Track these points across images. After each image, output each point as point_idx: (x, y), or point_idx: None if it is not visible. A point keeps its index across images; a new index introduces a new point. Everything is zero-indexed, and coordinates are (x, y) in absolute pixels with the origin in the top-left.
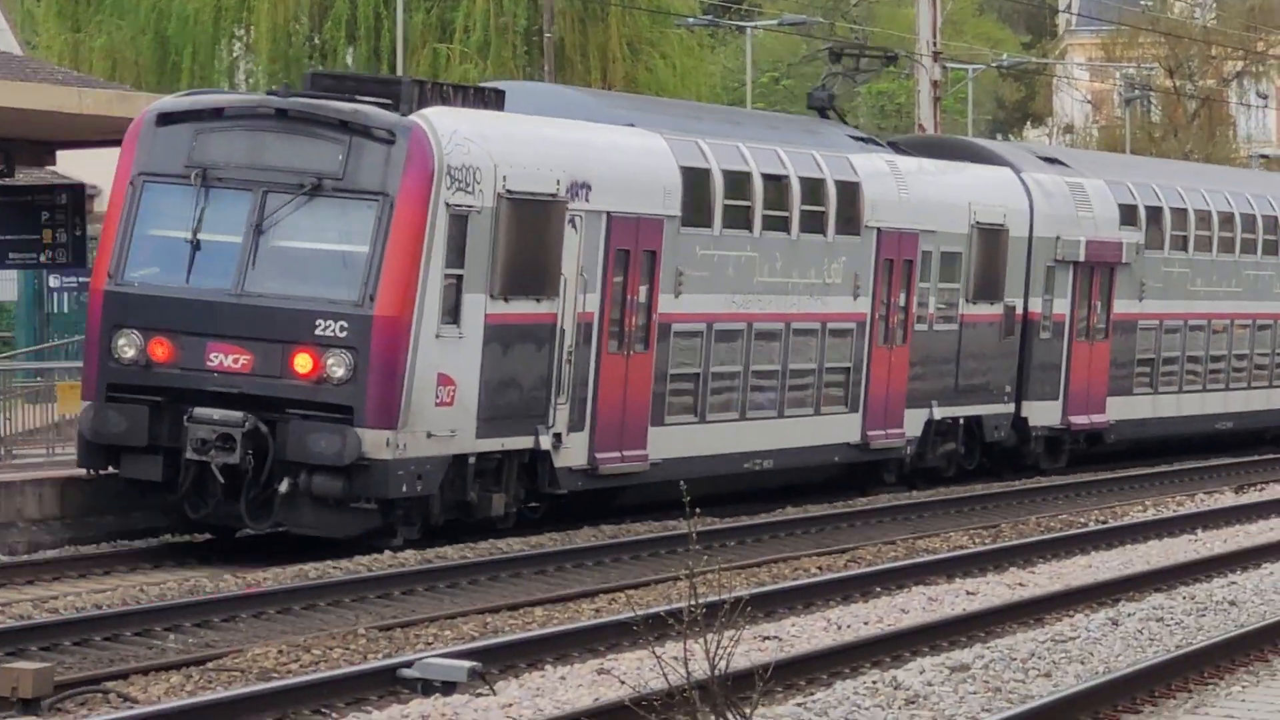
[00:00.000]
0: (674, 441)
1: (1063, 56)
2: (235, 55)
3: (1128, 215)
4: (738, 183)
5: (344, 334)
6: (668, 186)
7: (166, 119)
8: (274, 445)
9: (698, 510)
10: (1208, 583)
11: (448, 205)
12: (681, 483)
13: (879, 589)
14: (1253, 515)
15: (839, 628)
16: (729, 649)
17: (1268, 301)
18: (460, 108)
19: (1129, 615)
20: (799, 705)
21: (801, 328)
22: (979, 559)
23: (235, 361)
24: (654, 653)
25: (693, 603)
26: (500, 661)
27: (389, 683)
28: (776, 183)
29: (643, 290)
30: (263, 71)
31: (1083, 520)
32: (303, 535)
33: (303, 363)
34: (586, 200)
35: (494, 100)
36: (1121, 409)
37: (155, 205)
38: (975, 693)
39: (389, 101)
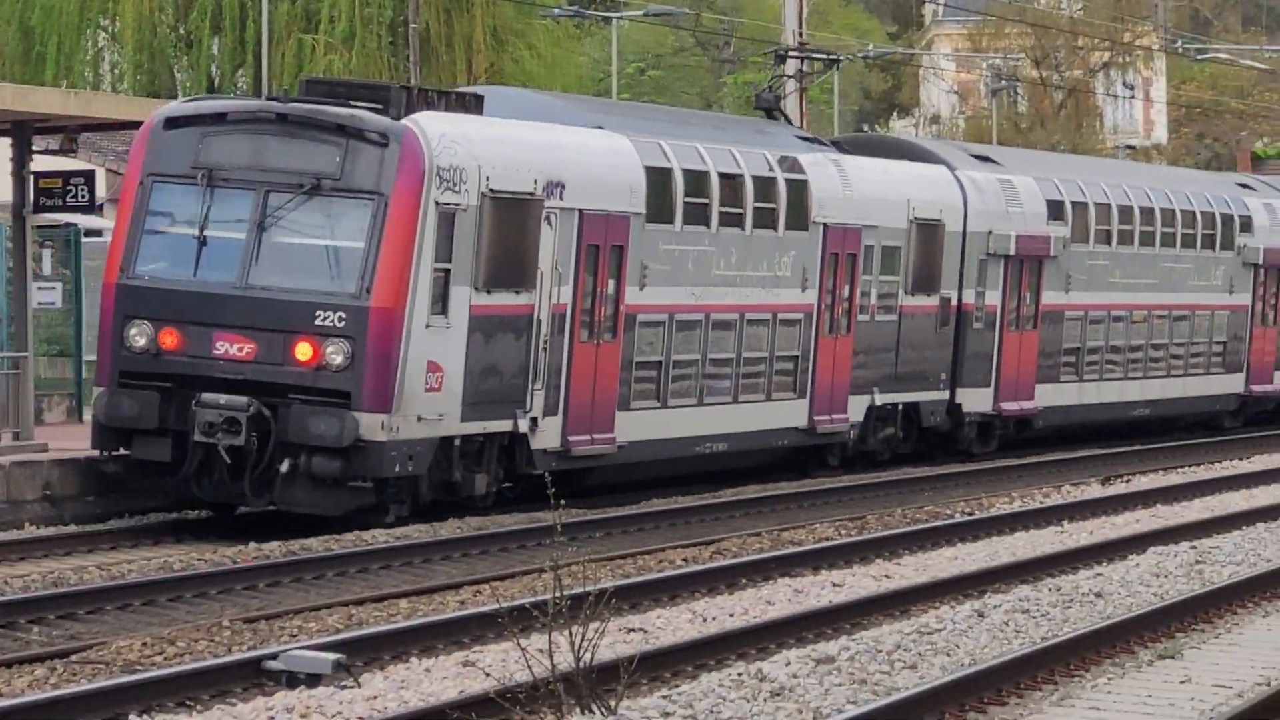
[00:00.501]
0: (639, 425)
1: (929, 47)
2: (100, 46)
3: (1055, 211)
4: (696, 181)
5: (342, 324)
6: (633, 185)
7: (173, 123)
8: (276, 428)
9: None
10: (1073, 574)
11: (437, 204)
12: (547, 476)
13: (745, 581)
14: (1119, 507)
15: (705, 620)
16: (594, 641)
17: (1183, 293)
18: (446, 112)
19: (995, 607)
20: (664, 697)
21: (754, 318)
22: (845, 551)
23: (240, 350)
24: (519, 645)
25: (558, 595)
26: (365, 654)
27: (254, 675)
28: (731, 181)
29: (611, 283)
30: (128, 62)
31: (949, 512)
32: (297, 514)
33: (303, 351)
34: (561, 198)
35: (474, 104)
36: (1049, 396)
37: (164, 204)
38: (841, 685)
39: (380, 106)
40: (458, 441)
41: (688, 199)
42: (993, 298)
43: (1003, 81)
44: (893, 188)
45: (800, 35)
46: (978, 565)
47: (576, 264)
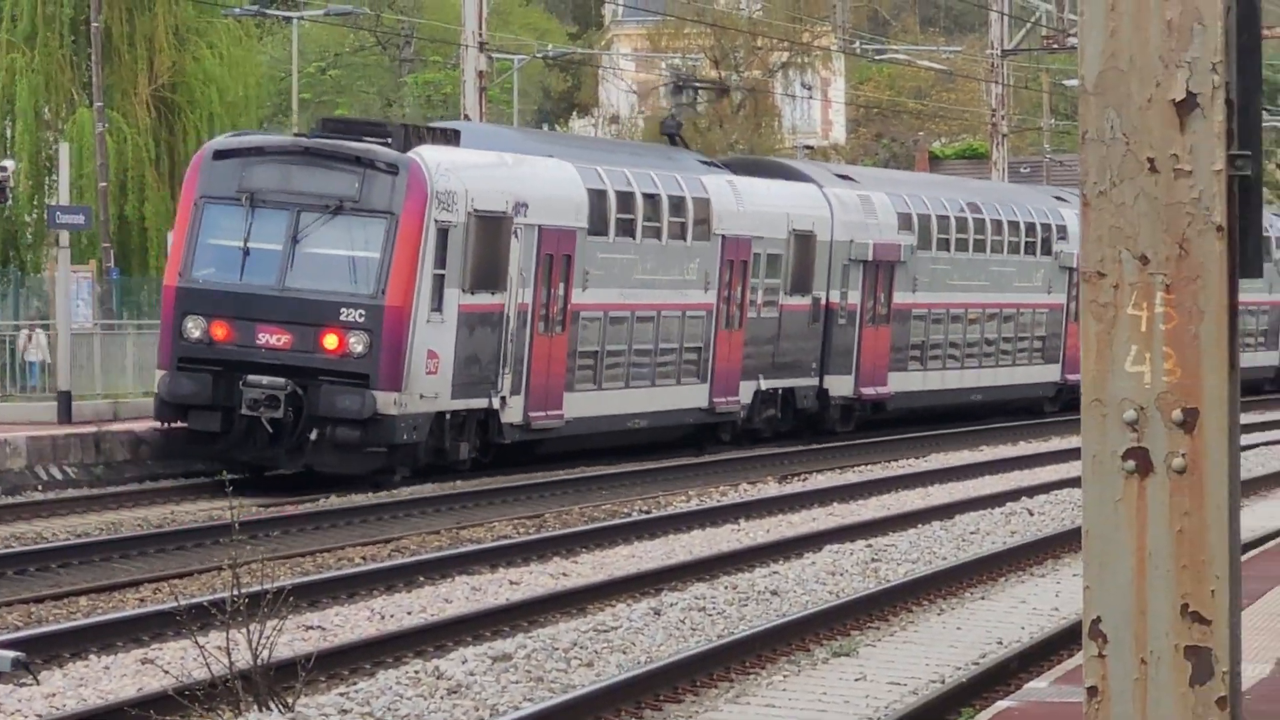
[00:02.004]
0: (581, 404)
1: (609, 47)
2: None
3: (904, 222)
4: (625, 200)
5: (362, 319)
6: (579, 204)
7: (221, 155)
8: (307, 404)
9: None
10: (750, 572)
11: (435, 221)
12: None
13: (423, 579)
14: (795, 505)
15: (383, 617)
16: (272, 639)
17: (1009, 293)
18: (440, 145)
19: (671, 605)
20: (341, 695)
21: (668, 315)
22: (523, 549)
23: (278, 340)
24: (197, 643)
25: (236, 593)
26: (44, 651)
27: None
28: (652, 200)
29: (561, 285)
30: None
31: (626, 510)
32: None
33: (330, 341)
34: (525, 216)
35: (453, 138)
36: (900, 383)
37: (214, 221)
38: (518, 682)
39: (387, 140)
40: (448, 416)
41: (619, 215)
42: (854, 297)
43: (682, 82)
44: (775, 204)
45: (480, 35)
46: (655, 563)
47: (536, 270)
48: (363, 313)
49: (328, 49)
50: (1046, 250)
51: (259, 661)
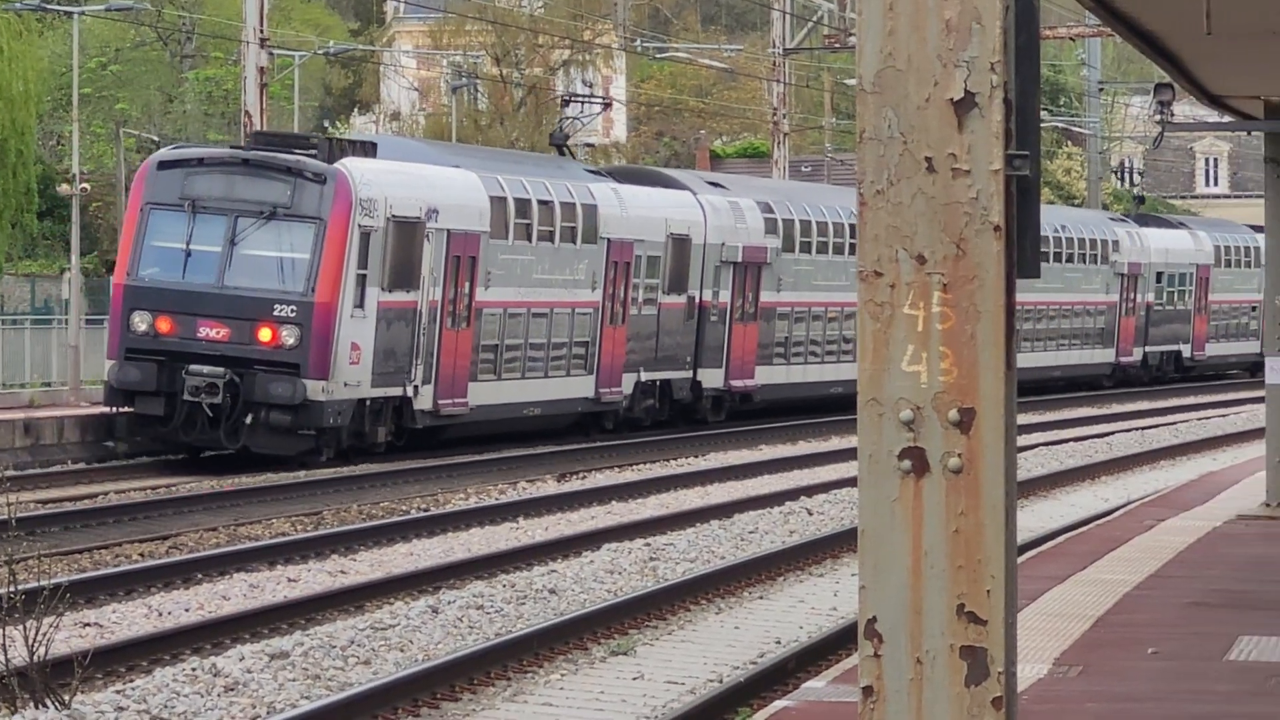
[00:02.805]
0: (483, 393)
1: (390, 44)
2: None
3: (770, 226)
4: (523, 206)
5: (294, 314)
6: (482, 210)
7: (164, 165)
8: (244, 391)
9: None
10: (528, 571)
11: (359, 226)
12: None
13: (201, 576)
14: (574, 503)
15: (160, 614)
16: (48, 636)
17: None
18: (361, 157)
19: (450, 603)
20: (118, 692)
21: (560, 312)
22: (301, 546)
23: (217, 333)
24: None
25: (12, 589)
26: None
27: None
28: (546, 206)
29: (467, 284)
30: None
31: (405, 508)
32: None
33: (265, 334)
34: (436, 221)
35: (371, 149)
36: (766, 376)
37: (159, 225)
38: (295, 680)
39: (314, 152)
40: (368, 402)
41: (517, 220)
42: (724, 296)
43: (463, 79)
44: (654, 210)
45: (261, 31)
46: (433, 561)
47: (445, 270)
48: (294, 308)
49: (109, 44)
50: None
51: (35, 659)
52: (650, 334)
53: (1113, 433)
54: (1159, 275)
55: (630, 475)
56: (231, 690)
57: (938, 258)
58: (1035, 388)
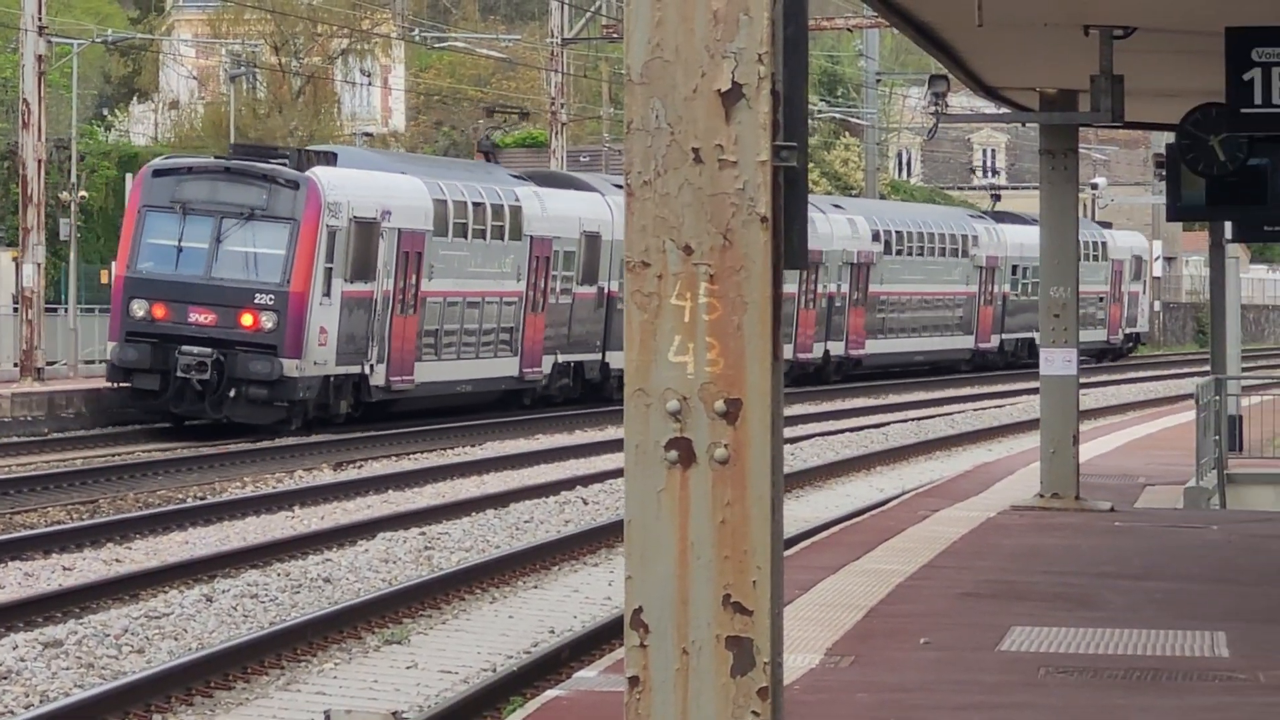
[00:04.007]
0: (427, 371)
1: (170, 32)
2: None
3: None
4: (460, 208)
5: (271, 302)
6: (426, 211)
7: (159, 173)
8: (228, 368)
9: None
10: (304, 559)
11: (327, 226)
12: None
13: None
14: (350, 492)
15: None
16: None
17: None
18: (327, 166)
19: (224, 592)
20: None
21: (490, 300)
22: (76, 534)
23: (205, 318)
24: None
25: None
26: None
27: None
28: (479, 207)
29: (414, 276)
30: None
31: (181, 496)
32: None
33: (247, 319)
34: (389, 221)
35: (332, 159)
36: None
37: (154, 225)
38: (68, 668)
39: (286, 160)
40: (333, 379)
41: (455, 220)
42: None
43: (242, 68)
44: (570, 210)
45: (40, 19)
46: (209, 550)
47: (396, 264)
48: (272, 297)
49: None
50: None
51: None
52: (565, 321)
53: (889, 423)
54: (1014, 268)
55: (407, 464)
56: (4, 679)
57: (705, 249)
58: (900, 371)
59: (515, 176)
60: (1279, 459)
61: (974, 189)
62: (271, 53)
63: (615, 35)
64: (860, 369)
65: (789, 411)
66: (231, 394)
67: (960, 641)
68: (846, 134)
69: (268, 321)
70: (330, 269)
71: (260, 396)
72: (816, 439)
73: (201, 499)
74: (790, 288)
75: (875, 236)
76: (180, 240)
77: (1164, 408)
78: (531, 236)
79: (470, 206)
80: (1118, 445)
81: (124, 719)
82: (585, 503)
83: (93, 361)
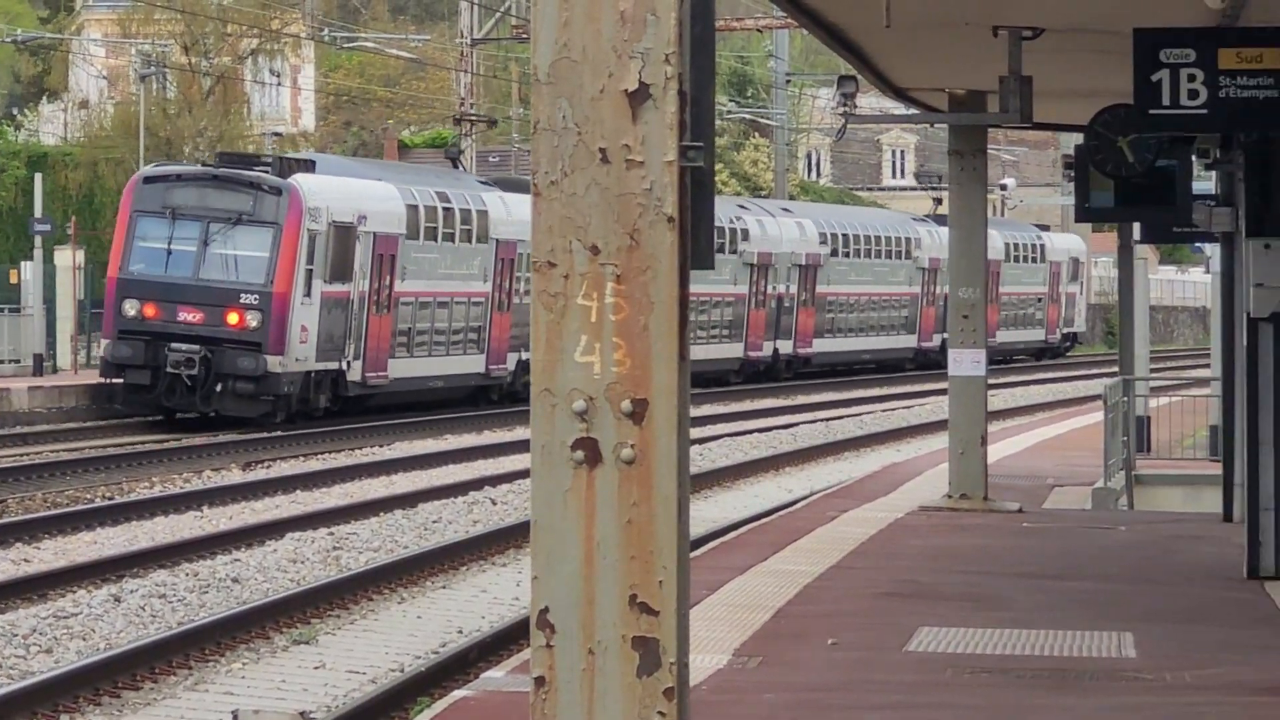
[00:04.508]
0: (400, 368)
1: (80, 31)
2: None
3: None
4: (431, 213)
5: (256, 301)
6: (400, 216)
7: (149, 180)
8: (215, 364)
9: None
10: (212, 560)
11: (308, 230)
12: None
13: None
14: (259, 492)
15: None
16: None
17: (704, 285)
18: (307, 173)
19: (132, 592)
20: None
21: (458, 300)
22: None
23: (194, 317)
24: None
25: None
26: None
27: None
28: (448, 212)
29: (388, 278)
30: None
31: (90, 497)
32: (225, 416)
33: (233, 318)
34: (365, 225)
35: (311, 166)
36: None
37: (145, 229)
38: None
39: (269, 168)
40: (313, 374)
41: (426, 224)
42: None
43: (152, 68)
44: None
45: None
46: (117, 550)
47: (371, 266)
48: (256, 297)
49: None
50: (733, 250)
51: None
52: (529, 320)
53: (798, 424)
54: None
55: (315, 465)
56: None
57: (611, 249)
58: (846, 369)
59: (481, 182)
60: (1186, 460)
61: (883, 190)
62: (181, 52)
63: (525, 36)
64: (809, 367)
65: (697, 412)
66: (219, 389)
67: (868, 642)
68: (756, 135)
69: (252, 320)
70: (311, 270)
71: (246, 391)
72: (725, 439)
73: (110, 499)
74: (741, 289)
75: (823, 239)
76: (170, 243)
77: (1073, 408)
78: (497, 239)
79: (440, 211)
80: (1027, 446)
81: (32, 719)
82: (494, 503)
83: (3, 361)
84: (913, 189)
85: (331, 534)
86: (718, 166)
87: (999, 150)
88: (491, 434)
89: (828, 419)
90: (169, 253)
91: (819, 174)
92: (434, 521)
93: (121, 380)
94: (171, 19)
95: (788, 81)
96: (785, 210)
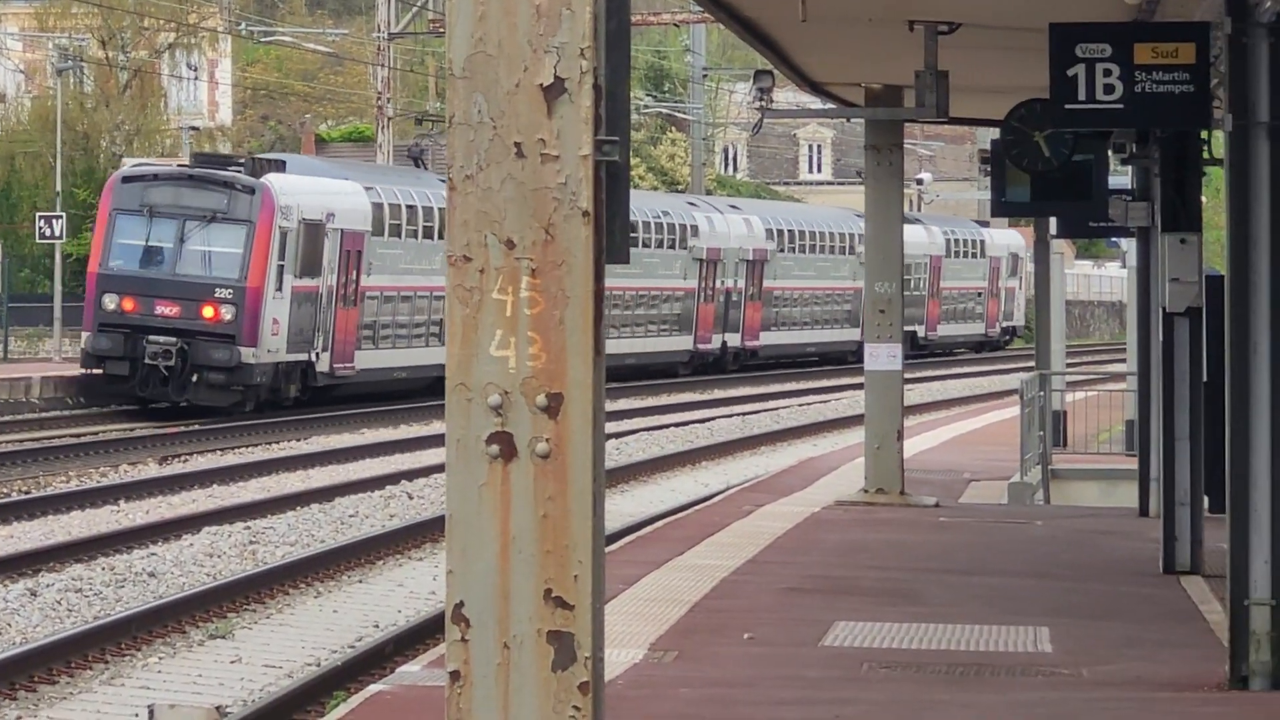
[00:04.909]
0: (366, 359)
1: None
2: None
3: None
4: (395, 210)
5: (230, 296)
6: (366, 213)
7: (128, 180)
8: (191, 356)
9: None
10: (128, 554)
11: (279, 227)
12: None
13: None
14: (175, 487)
15: None
16: None
17: (653, 279)
18: (278, 173)
19: (48, 586)
20: None
21: (421, 295)
22: None
23: (170, 311)
24: None
25: None
26: None
27: None
28: (411, 209)
29: (354, 273)
30: None
31: (5, 490)
32: (199, 405)
33: (208, 311)
34: (334, 222)
35: (281, 166)
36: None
37: (124, 227)
38: None
39: (242, 167)
40: (283, 365)
41: (391, 221)
42: None
43: (69, 62)
44: None
45: None
46: (32, 544)
47: (339, 261)
48: (230, 291)
49: None
50: (683, 245)
51: None
52: None
53: (715, 419)
54: None
55: (231, 459)
56: None
57: (527, 243)
58: (790, 362)
59: (441, 180)
60: (1102, 455)
61: (800, 184)
62: (99, 47)
63: (442, 30)
64: (756, 359)
65: (614, 406)
66: (194, 379)
67: (783, 637)
68: (673, 129)
69: (227, 313)
70: (282, 266)
71: (220, 381)
72: (642, 434)
73: (26, 493)
74: (690, 283)
75: (769, 235)
76: (147, 240)
77: (990, 403)
78: None
79: (404, 209)
80: (944, 440)
81: None
82: (410, 497)
83: None
84: (829, 183)
85: (248, 528)
86: (634, 161)
87: (915, 145)
88: (408, 428)
89: (744, 414)
90: (146, 249)
91: (736, 168)
92: (351, 516)
93: (101, 371)
94: (88, 13)
95: (704, 76)
96: (733, 207)
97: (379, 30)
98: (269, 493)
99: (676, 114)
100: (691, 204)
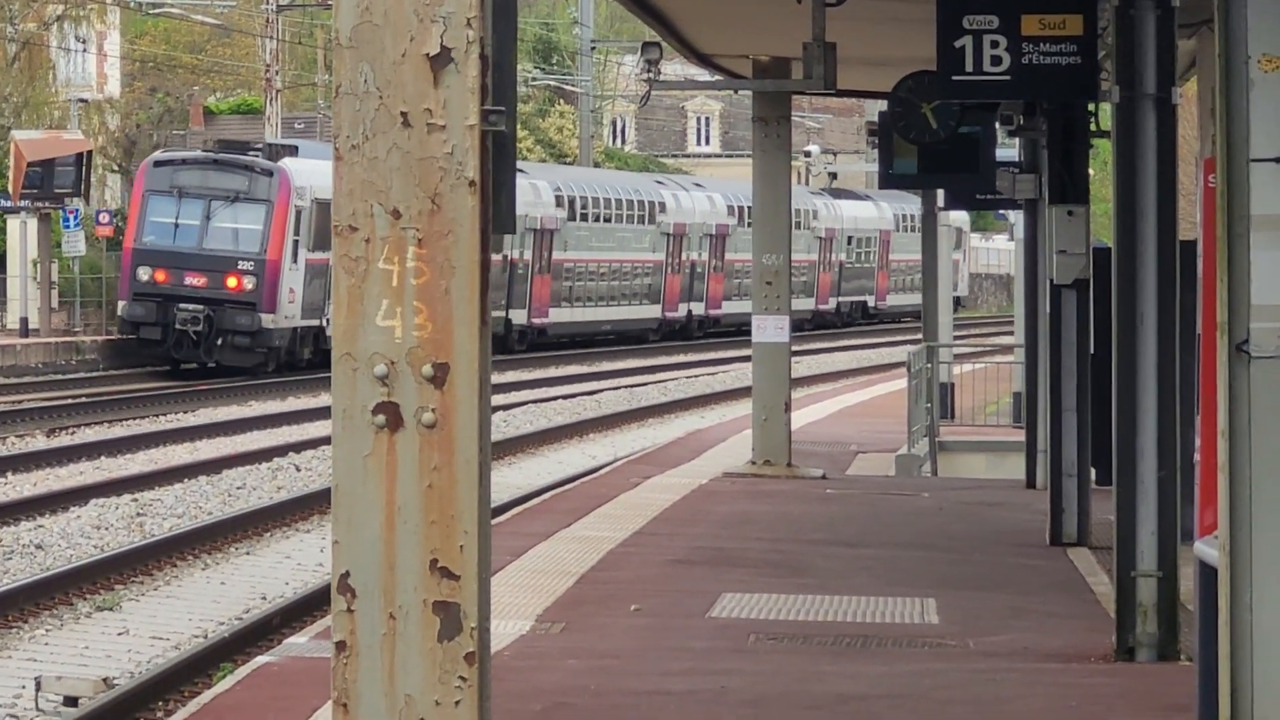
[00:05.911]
0: None
1: None
2: None
3: (558, 200)
4: None
5: (252, 268)
6: None
7: (159, 164)
8: (217, 322)
9: None
10: (15, 526)
11: (295, 206)
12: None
13: None
14: (63, 459)
15: None
16: None
17: (629, 252)
18: (296, 157)
19: None
20: None
21: None
22: None
23: (199, 281)
24: None
25: None
26: None
27: None
28: None
29: None
30: None
31: None
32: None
33: (232, 282)
34: None
35: (294, 151)
36: (557, 315)
37: (156, 206)
38: None
39: (260, 152)
40: (299, 330)
41: None
42: (529, 255)
43: None
44: None
45: None
46: None
47: None
48: (252, 264)
49: None
50: (652, 220)
51: None
52: (499, 285)
53: (603, 390)
54: (850, 239)
55: (119, 431)
56: None
57: (413, 213)
58: (737, 331)
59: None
60: (990, 427)
61: (688, 156)
62: None
63: (329, 2)
64: (719, 327)
65: (502, 378)
66: (219, 342)
67: (671, 608)
68: (561, 101)
69: (249, 284)
70: (297, 241)
71: (243, 344)
72: (529, 405)
73: None
74: (659, 256)
75: (730, 211)
76: (177, 218)
77: (877, 375)
78: None
79: None
80: (831, 412)
81: None
82: (298, 469)
83: None
84: (718, 156)
85: (135, 500)
86: (522, 133)
87: (804, 117)
88: (296, 400)
89: (632, 385)
90: (176, 226)
91: (624, 141)
92: (238, 488)
93: (136, 336)
94: None
95: (593, 48)
96: (697, 185)
97: (267, 2)
98: (157, 465)
99: (565, 86)
100: (659, 182)
